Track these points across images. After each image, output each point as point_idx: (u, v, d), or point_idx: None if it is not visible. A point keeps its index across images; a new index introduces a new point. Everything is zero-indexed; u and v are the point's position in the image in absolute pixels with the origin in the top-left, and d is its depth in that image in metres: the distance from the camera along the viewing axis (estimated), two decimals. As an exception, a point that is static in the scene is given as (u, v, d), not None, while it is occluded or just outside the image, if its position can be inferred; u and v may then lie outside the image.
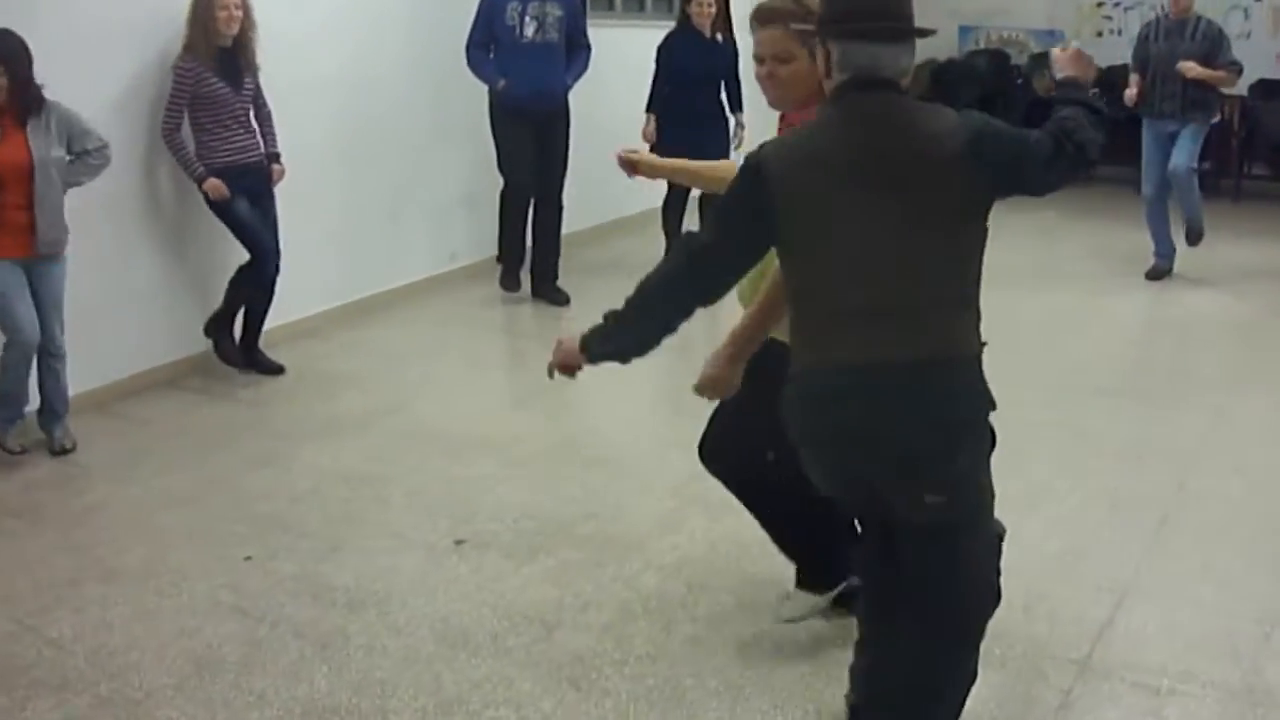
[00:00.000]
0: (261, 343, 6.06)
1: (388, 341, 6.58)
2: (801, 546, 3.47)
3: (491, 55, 6.79)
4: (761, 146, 2.60)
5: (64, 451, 5.12)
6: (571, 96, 7.10)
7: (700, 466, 3.47)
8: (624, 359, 2.74)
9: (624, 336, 2.71)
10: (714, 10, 7.35)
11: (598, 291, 7.32)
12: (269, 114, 5.81)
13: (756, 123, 7.64)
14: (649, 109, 7.48)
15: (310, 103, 6.43)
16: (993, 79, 11.22)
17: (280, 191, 5.95)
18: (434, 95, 7.21)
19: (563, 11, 6.82)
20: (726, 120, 7.62)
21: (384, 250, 7.17)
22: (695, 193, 7.64)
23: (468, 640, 3.56)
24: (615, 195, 7.87)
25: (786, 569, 3.54)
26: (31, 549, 4.25)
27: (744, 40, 2.96)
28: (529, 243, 7.25)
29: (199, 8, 5.41)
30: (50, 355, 5.03)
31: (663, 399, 5.63)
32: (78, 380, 5.39)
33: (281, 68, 5.95)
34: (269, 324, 6.10)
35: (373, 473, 4.81)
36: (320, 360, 6.26)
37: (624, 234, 8.60)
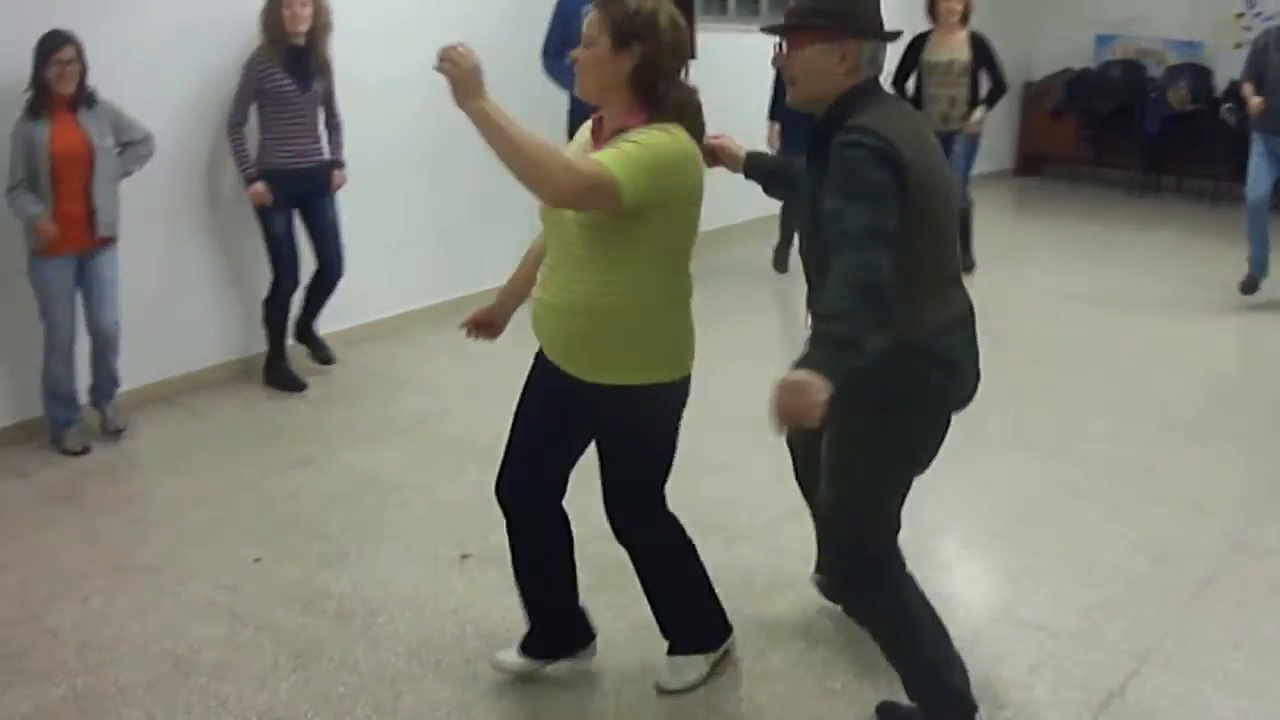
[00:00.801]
0: (337, 339, 6.12)
1: (465, 345, 6.55)
2: (696, 605, 3.30)
3: (567, 61, 6.68)
4: (865, 131, 2.57)
5: (116, 432, 5.29)
6: None
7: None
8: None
9: (856, 352, 2.44)
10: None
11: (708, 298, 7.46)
12: (339, 123, 5.83)
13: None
14: (772, 116, 7.35)
15: (400, 102, 6.43)
16: (1127, 90, 10.73)
17: (370, 190, 5.99)
18: (519, 98, 7.14)
19: None
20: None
21: (473, 252, 7.18)
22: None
23: (440, 661, 3.50)
24: (725, 202, 7.77)
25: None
26: (61, 536, 4.38)
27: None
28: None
29: (269, 5, 5.48)
30: (102, 342, 5.16)
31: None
32: (146, 372, 5.56)
33: (373, 66, 6.00)
34: (348, 324, 6.16)
35: (404, 479, 4.80)
36: (392, 362, 6.29)
37: (733, 241, 8.46)
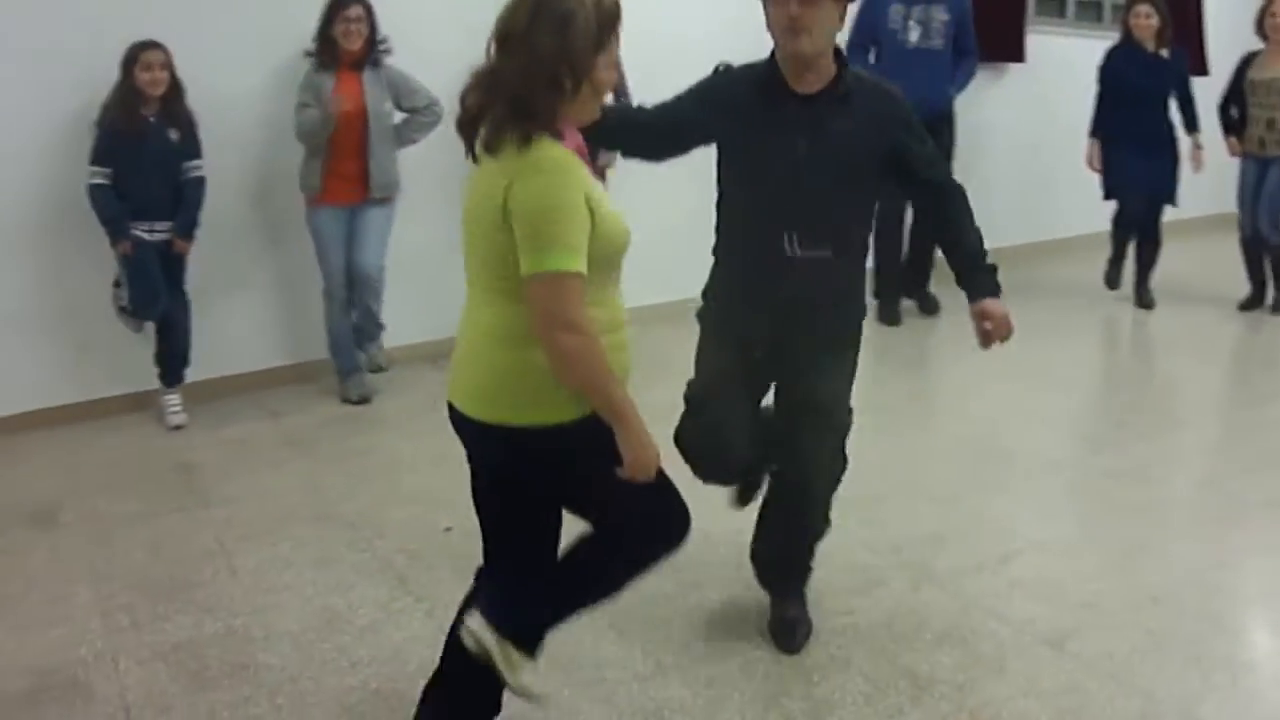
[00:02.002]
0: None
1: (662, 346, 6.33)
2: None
3: (872, 58, 6.38)
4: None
5: (378, 369, 5.51)
6: (1010, 110, 6.82)
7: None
8: None
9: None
10: (1155, 22, 6.50)
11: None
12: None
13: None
14: (1092, 133, 6.74)
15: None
16: None
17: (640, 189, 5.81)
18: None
19: (949, 16, 6.30)
20: (1177, 144, 6.73)
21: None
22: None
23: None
24: (1049, 215, 7.23)
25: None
26: (281, 479, 4.51)
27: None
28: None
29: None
30: (364, 287, 5.29)
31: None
32: (418, 330, 5.68)
33: (664, 75, 5.80)
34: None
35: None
36: (661, 345, 6.09)
37: (1052, 256, 7.81)
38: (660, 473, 2.41)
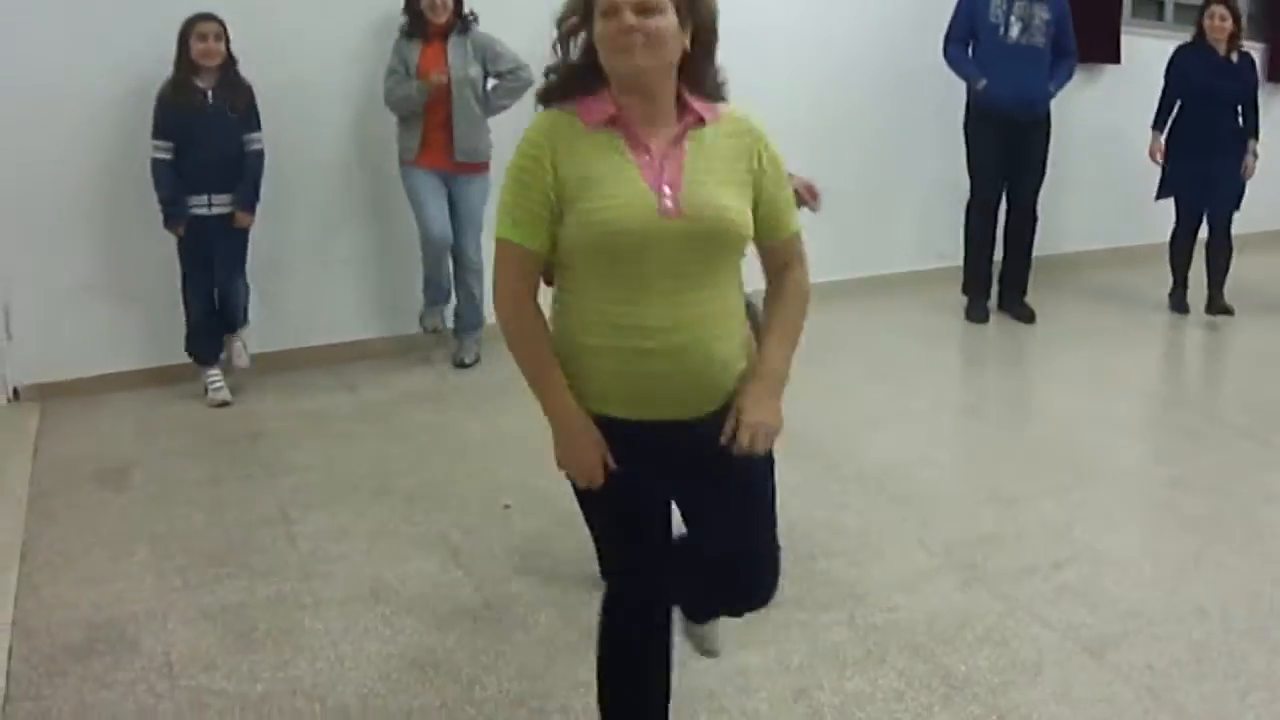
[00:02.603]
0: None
1: (816, 331, 6.24)
2: None
3: (970, 53, 6.30)
4: None
5: (462, 365, 5.52)
6: (1105, 112, 6.88)
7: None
8: None
9: None
10: (1229, 25, 6.36)
11: (1073, 316, 6.83)
12: None
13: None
14: (1155, 125, 6.60)
15: (800, 82, 6.40)
16: None
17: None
18: (923, 84, 6.77)
19: (1050, 15, 6.18)
20: (1242, 150, 6.55)
21: (862, 237, 6.93)
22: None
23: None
24: (1143, 219, 7.07)
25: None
26: (351, 451, 4.60)
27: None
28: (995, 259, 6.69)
29: None
30: (463, 268, 5.38)
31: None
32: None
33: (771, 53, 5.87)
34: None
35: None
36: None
37: (1131, 262, 7.63)
38: (605, 523, 2.36)
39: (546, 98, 2.19)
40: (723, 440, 2.17)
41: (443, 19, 5.10)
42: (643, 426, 2.19)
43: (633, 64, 2.06)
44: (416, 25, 5.14)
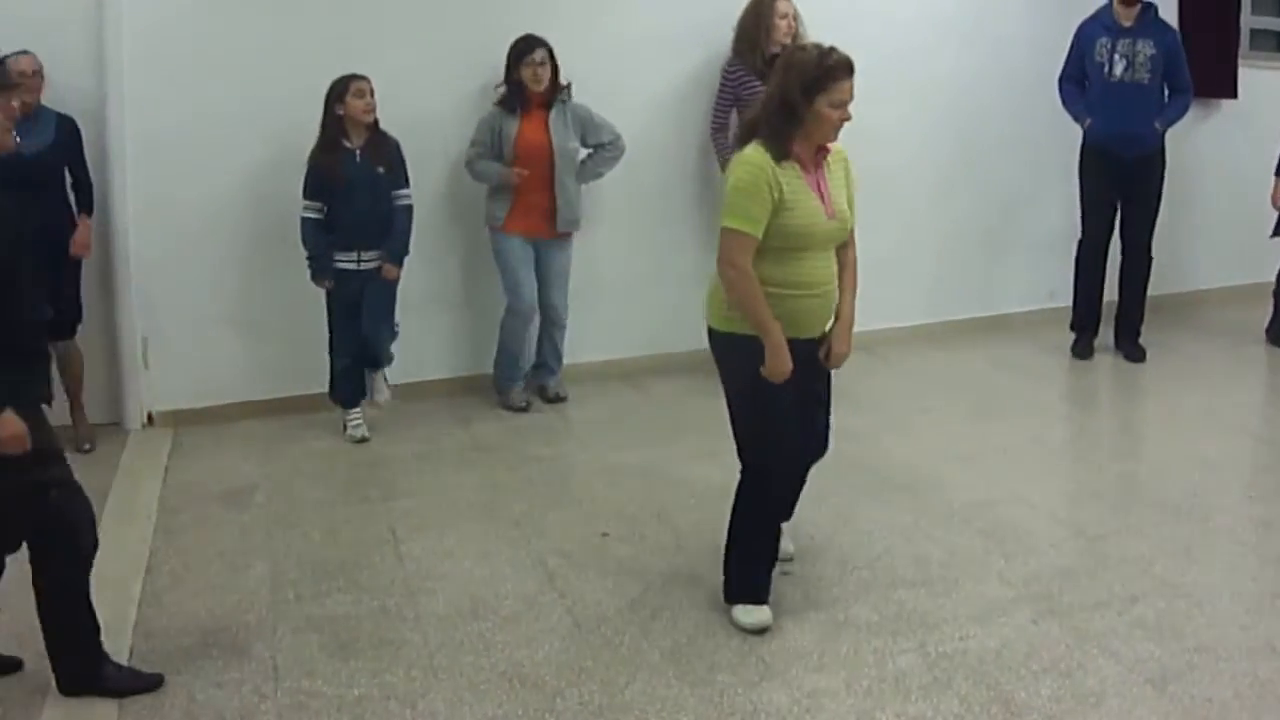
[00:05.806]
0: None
1: (923, 369, 6.37)
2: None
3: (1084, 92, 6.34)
4: None
5: (556, 399, 5.75)
6: (1222, 148, 6.87)
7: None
8: None
9: None
10: None
11: (1184, 354, 6.77)
12: None
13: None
14: (1277, 172, 6.51)
15: (916, 120, 6.55)
16: None
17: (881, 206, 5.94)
18: (1036, 121, 6.81)
19: (1156, 50, 6.11)
20: None
21: (979, 277, 7.03)
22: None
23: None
24: (1262, 257, 6.97)
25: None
26: (463, 480, 4.86)
27: None
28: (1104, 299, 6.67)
29: (749, 16, 5.64)
30: (550, 323, 5.63)
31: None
32: (609, 348, 6.10)
33: (886, 91, 5.97)
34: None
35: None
36: (861, 379, 6.07)
37: (1252, 300, 7.50)
38: (771, 416, 3.42)
39: (750, 135, 3.40)
40: (821, 360, 3.54)
41: (542, 87, 5.31)
42: (797, 343, 3.39)
43: (834, 138, 3.37)
44: (516, 96, 5.33)
